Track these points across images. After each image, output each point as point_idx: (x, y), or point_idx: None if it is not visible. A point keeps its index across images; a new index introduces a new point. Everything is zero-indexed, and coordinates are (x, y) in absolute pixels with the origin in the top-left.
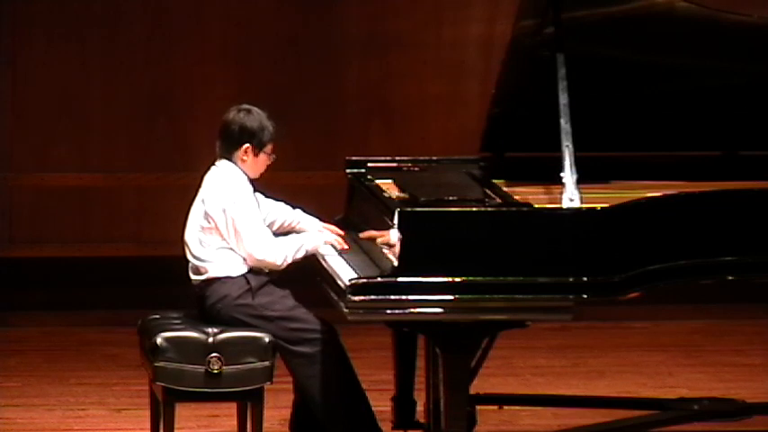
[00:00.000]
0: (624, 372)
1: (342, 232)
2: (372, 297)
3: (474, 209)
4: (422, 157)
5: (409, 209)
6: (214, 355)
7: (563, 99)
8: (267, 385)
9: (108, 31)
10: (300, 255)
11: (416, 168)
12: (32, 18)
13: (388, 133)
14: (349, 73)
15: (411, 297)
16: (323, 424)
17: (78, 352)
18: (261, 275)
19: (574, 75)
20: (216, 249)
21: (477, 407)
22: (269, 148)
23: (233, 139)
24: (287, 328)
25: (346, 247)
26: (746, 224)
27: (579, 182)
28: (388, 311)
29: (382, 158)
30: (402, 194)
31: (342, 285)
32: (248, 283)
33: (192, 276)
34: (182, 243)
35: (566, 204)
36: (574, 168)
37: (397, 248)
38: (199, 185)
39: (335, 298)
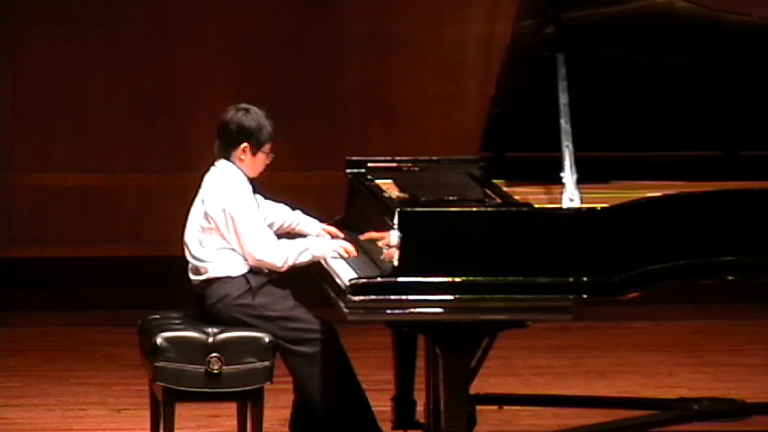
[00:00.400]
0: (624, 372)
1: (342, 237)
2: (372, 297)
3: (474, 209)
4: (422, 157)
5: (409, 209)
6: (214, 355)
7: (563, 99)
8: (267, 385)
9: (108, 31)
10: (305, 259)
11: (416, 168)
12: (32, 18)
13: (388, 133)
14: (349, 73)
15: (411, 297)
16: (323, 424)
17: (78, 352)
18: (261, 276)
19: (574, 75)
20: (216, 250)
21: (477, 407)
22: (267, 147)
23: (231, 138)
24: (287, 328)
25: (355, 254)
26: (746, 224)
27: (579, 182)
28: (388, 311)
29: (382, 158)
30: (402, 194)
31: (342, 285)
32: (248, 283)
33: (192, 277)
34: (181, 243)
35: (566, 204)
36: (574, 168)
37: (397, 249)
38: (199, 186)
39: (335, 298)
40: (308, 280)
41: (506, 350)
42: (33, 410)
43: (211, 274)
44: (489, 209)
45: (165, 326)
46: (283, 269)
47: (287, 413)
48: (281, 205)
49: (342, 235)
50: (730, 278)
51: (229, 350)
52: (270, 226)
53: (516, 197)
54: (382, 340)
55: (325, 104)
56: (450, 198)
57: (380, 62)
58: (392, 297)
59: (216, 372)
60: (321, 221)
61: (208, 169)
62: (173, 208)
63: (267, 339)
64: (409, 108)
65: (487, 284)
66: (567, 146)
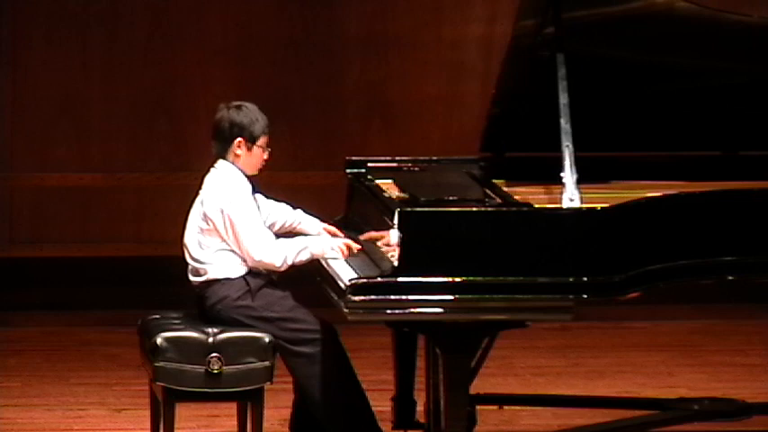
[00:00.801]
0: (624, 372)
1: (342, 236)
2: (372, 297)
3: (474, 209)
4: (422, 157)
5: (409, 209)
6: (214, 355)
7: (563, 99)
8: (267, 385)
9: (108, 31)
10: (304, 257)
11: (416, 168)
12: (32, 18)
13: (388, 133)
14: (349, 73)
15: (411, 297)
16: (323, 424)
17: (78, 352)
18: (260, 277)
19: (574, 75)
20: (215, 251)
21: (477, 407)
22: (262, 140)
23: (225, 135)
24: (287, 329)
25: (354, 252)
26: (746, 224)
27: (579, 182)
28: (388, 311)
29: (382, 158)
30: (402, 194)
31: (342, 285)
32: (248, 284)
33: (192, 278)
34: (181, 245)
35: (566, 204)
36: (574, 168)
37: (398, 248)
38: (199, 187)
39: (335, 298)
40: (308, 280)
41: (506, 350)
42: (33, 410)
43: (211, 275)
44: (489, 209)
45: (165, 326)
46: (282, 269)
47: (287, 413)
48: (282, 205)
49: (341, 235)
50: (730, 278)
51: (229, 350)
52: (271, 226)
53: (516, 197)
54: (382, 340)
55: (325, 104)
56: (450, 198)
57: (380, 62)
58: (392, 297)
59: (216, 372)
60: (321, 221)
61: (208, 170)
62: (173, 208)
63: (267, 339)
64: (409, 108)
65: (487, 284)
66: (567, 146)
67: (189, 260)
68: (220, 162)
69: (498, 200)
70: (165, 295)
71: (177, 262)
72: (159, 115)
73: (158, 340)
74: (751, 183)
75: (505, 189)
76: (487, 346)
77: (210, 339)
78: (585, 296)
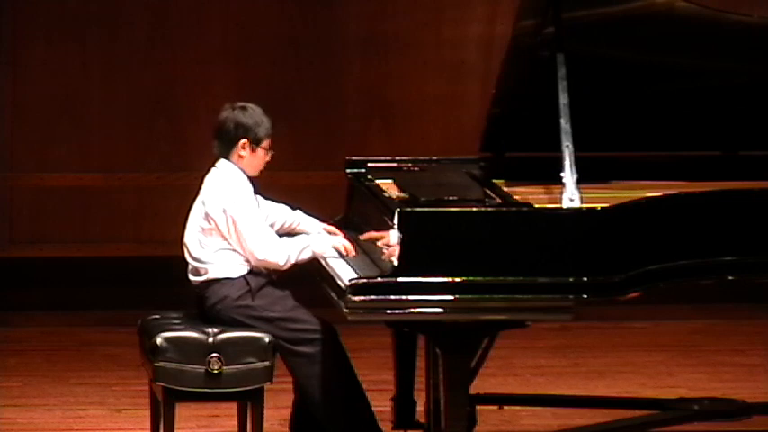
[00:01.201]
0: (624, 372)
1: (342, 236)
2: (372, 297)
3: (474, 209)
4: (422, 157)
5: (409, 209)
6: (214, 355)
7: (563, 99)
8: (267, 385)
9: (108, 31)
10: (306, 256)
11: (416, 168)
12: (32, 18)
13: (388, 133)
14: (349, 73)
15: (411, 297)
16: (323, 424)
17: (78, 352)
18: (260, 276)
19: (574, 75)
20: (215, 251)
21: (477, 407)
22: (266, 143)
23: (229, 135)
24: (287, 329)
25: (353, 253)
26: (746, 224)
27: (579, 182)
28: (388, 311)
29: (382, 158)
30: (402, 194)
31: (342, 285)
32: (248, 284)
33: (192, 278)
34: (181, 245)
35: (566, 204)
36: (574, 168)
37: (397, 248)
38: (199, 186)
39: (335, 298)
40: (308, 280)
41: (506, 350)
42: (33, 410)
43: (211, 275)
44: (489, 209)
45: (165, 326)
46: (285, 267)
47: (287, 413)
48: (281, 205)
49: (342, 234)
50: (730, 278)
51: (229, 350)
52: (270, 226)
53: (516, 197)
54: (382, 340)
55: (325, 104)
56: (451, 198)
57: (380, 62)
58: (392, 297)
59: (216, 372)
60: (321, 221)
61: (208, 170)
62: (173, 208)
63: (267, 339)
64: (409, 108)
65: (487, 284)
66: (567, 146)
67: (189, 260)
68: (222, 162)
69: (498, 200)
70: (165, 295)
71: (177, 262)
72: (159, 115)
73: (158, 340)
74: (751, 183)
75: (505, 189)
76: (487, 346)
77: (210, 339)
78: (585, 296)
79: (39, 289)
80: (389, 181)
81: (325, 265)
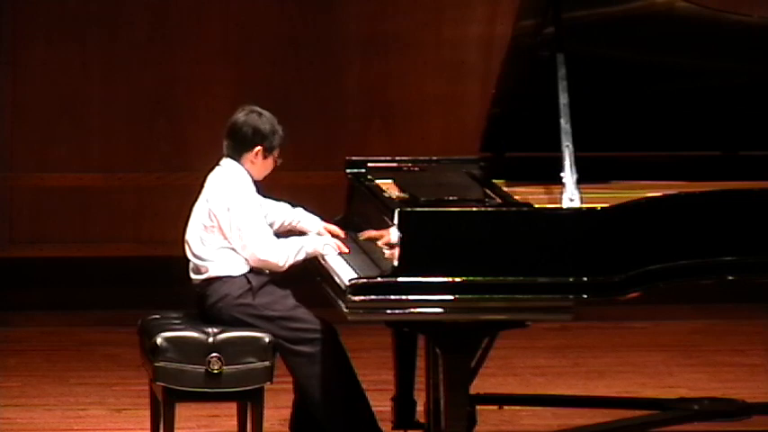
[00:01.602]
0: (624, 372)
1: (342, 235)
2: (372, 297)
3: (474, 209)
4: (422, 157)
5: (409, 209)
6: (214, 355)
7: (563, 99)
8: (267, 385)
9: (108, 31)
10: (300, 257)
11: (416, 168)
12: (32, 18)
13: (388, 133)
14: (349, 73)
15: (411, 297)
16: (323, 424)
17: (78, 352)
18: (261, 275)
19: (574, 75)
20: (217, 249)
21: (477, 407)
22: (277, 152)
23: (245, 140)
24: (287, 328)
25: (346, 250)
26: (746, 224)
27: (579, 182)
28: (388, 311)
29: (382, 158)
30: (402, 194)
31: (342, 285)
32: (249, 282)
33: (193, 276)
34: (182, 242)
35: (566, 204)
36: (574, 168)
37: (397, 248)
38: (202, 185)
39: (335, 298)
40: (308, 280)
41: (506, 350)
42: (33, 410)
43: (212, 273)
44: (489, 209)
45: (165, 326)
46: (284, 268)
47: (287, 413)
48: (282, 203)
49: (342, 233)
50: (730, 278)
51: (229, 350)
52: (270, 225)
53: (516, 197)
54: (382, 340)
55: (325, 104)
56: (451, 198)
57: (380, 62)
58: (392, 297)
59: (216, 372)
60: (321, 220)
61: (212, 168)
62: (173, 208)
63: (267, 339)
64: (409, 108)
65: (487, 284)
66: (567, 146)
67: (190, 257)
68: (227, 161)
69: (498, 200)
70: (165, 295)
71: (177, 262)
72: (159, 115)
73: (158, 340)
74: (751, 183)
75: (505, 189)
76: (487, 346)
77: (210, 339)
78: (585, 296)
79: (39, 289)
80: (389, 181)
81: (325, 265)
